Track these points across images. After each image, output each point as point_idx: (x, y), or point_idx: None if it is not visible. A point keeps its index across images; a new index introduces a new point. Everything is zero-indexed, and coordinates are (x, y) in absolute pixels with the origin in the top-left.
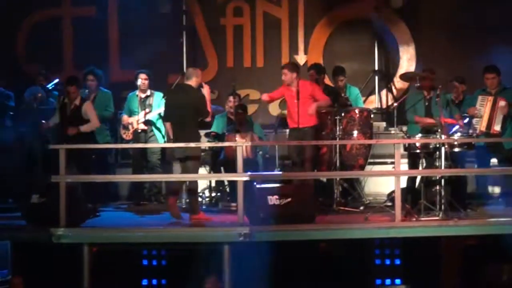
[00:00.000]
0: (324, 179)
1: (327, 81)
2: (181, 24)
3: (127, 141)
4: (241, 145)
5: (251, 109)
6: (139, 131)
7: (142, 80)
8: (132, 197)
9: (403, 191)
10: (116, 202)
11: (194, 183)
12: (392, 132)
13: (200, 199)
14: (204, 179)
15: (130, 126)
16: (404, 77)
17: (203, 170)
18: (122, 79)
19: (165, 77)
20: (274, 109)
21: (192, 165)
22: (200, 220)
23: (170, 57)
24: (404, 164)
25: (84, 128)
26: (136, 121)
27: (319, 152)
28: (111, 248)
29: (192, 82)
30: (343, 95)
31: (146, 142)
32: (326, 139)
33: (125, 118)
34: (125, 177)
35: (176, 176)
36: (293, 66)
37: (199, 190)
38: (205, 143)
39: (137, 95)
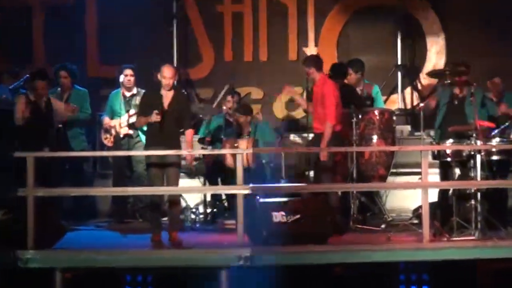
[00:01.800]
0: (339, 193)
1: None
2: (171, 12)
3: (109, 148)
4: (241, 152)
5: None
6: (122, 135)
7: (127, 76)
8: (113, 214)
9: (432, 206)
10: (94, 220)
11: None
12: (418, 137)
13: (193, 215)
14: (198, 193)
15: (112, 130)
16: (433, 73)
17: (196, 182)
18: (101, 75)
19: (151, 73)
20: (280, 111)
21: (174, 173)
22: (176, 242)
23: (158, 50)
24: (432, 175)
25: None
26: (119, 124)
27: (331, 162)
28: (88, 273)
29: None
30: (360, 93)
31: (130, 148)
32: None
33: (106, 120)
34: (105, 190)
35: (165, 189)
36: (312, 59)
37: (192, 205)
38: (198, 151)
39: (121, 94)
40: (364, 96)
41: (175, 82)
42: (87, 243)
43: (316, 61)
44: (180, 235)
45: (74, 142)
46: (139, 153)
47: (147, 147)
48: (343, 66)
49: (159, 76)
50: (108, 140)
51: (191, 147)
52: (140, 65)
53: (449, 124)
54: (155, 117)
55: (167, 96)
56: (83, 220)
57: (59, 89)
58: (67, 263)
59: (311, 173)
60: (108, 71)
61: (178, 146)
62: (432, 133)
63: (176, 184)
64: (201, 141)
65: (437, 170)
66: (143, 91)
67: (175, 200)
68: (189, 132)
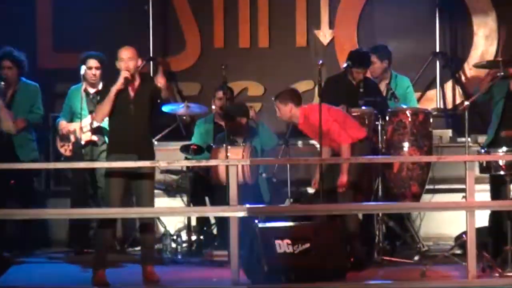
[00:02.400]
0: (360, 215)
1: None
2: None
3: (67, 158)
4: (235, 163)
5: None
6: (84, 143)
7: (91, 69)
8: (71, 243)
9: (480, 233)
10: (47, 250)
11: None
12: (463, 144)
13: (174, 244)
14: (180, 215)
15: (71, 136)
16: (481, 65)
17: (178, 202)
18: (56, 65)
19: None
20: None
21: (148, 187)
22: (153, 279)
23: (129, 35)
24: (481, 193)
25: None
26: (80, 128)
27: None
28: None
29: None
30: (385, 88)
31: (95, 159)
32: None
33: (63, 124)
34: (61, 212)
35: (139, 210)
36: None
37: (172, 231)
38: (182, 161)
39: (82, 91)
40: (391, 93)
41: (140, 67)
42: (38, 279)
43: (292, 95)
44: (157, 270)
45: (22, 151)
46: (105, 164)
47: (110, 153)
48: (365, 54)
49: (90, 63)
50: (65, 148)
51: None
52: (106, 53)
53: (504, 128)
54: (124, 74)
55: (132, 85)
56: (32, 251)
57: (2, 83)
58: None
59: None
60: (65, 60)
61: (151, 151)
62: (480, 139)
63: (151, 202)
64: (184, 149)
65: (486, 187)
66: None
67: (149, 225)
68: None
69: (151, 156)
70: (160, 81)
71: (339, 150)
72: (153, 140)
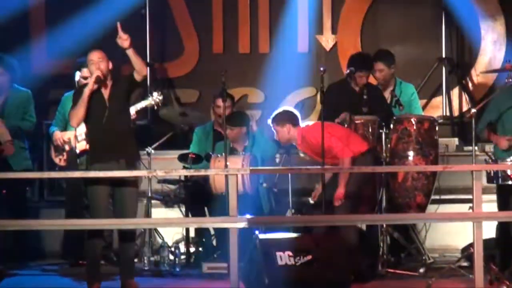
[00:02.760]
0: (363, 226)
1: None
2: None
3: (62, 168)
4: (235, 173)
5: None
6: (79, 152)
7: (87, 78)
8: (65, 254)
9: (487, 245)
10: (41, 262)
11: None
12: (469, 153)
13: (172, 256)
14: (178, 226)
15: (66, 146)
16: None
17: (176, 213)
18: (49, 72)
19: (117, 69)
20: None
21: (131, 195)
22: None
23: None
24: (488, 203)
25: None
26: (75, 136)
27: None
28: None
29: None
30: (390, 94)
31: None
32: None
33: (58, 135)
34: (55, 223)
35: (135, 221)
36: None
37: (170, 243)
38: (180, 171)
39: None
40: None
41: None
42: None
43: (289, 116)
44: (151, 282)
45: (14, 160)
46: (101, 174)
47: (92, 163)
48: (367, 57)
49: (83, 73)
50: (60, 158)
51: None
52: None
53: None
54: (96, 73)
55: (105, 88)
56: (26, 262)
57: None
58: None
59: None
60: (59, 66)
61: (134, 153)
62: (488, 147)
63: (134, 210)
64: (182, 158)
65: (494, 197)
66: None
67: (129, 235)
68: None
69: (135, 158)
70: (123, 36)
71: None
72: (150, 149)
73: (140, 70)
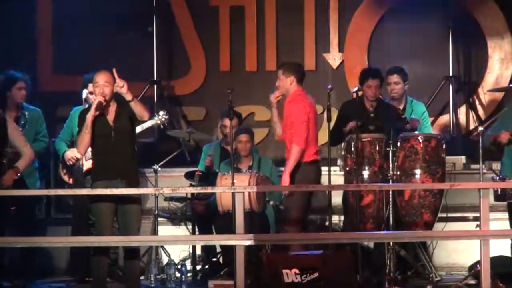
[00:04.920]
0: (371, 244)
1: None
2: (149, 6)
3: (70, 186)
4: (241, 191)
5: (258, 135)
6: (85, 170)
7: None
8: (72, 271)
9: (494, 263)
10: (47, 279)
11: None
12: (477, 171)
13: (178, 274)
14: (185, 244)
15: (77, 163)
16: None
17: (182, 230)
18: (56, 88)
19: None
20: None
21: (135, 212)
22: None
23: (132, 57)
24: (495, 221)
25: (22, 165)
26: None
27: (359, 203)
28: None
29: None
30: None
31: None
32: (371, 181)
33: (69, 154)
34: (62, 240)
35: (142, 238)
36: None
37: (176, 261)
38: (187, 188)
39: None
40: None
41: (116, 91)
42: None
43: (297, 70)
44: None
45: (30, 181)
46: (107, 191)
47: (95, 180)
48: (377, 69)
49: (89, 89)
50: (69, 176)
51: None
52: None
53: None
54: (98, 99)
55: (109, 110)
56: (33, 280)
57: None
58: None
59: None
60: (65, 83)
61: (136, 176)
62: (495, 165)
63: (138, 227)
64: (189, 175)
65: (501, 215)
66: None
67: (134, 252)
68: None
69: (136, 179)
70: (120, 84)
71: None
72: (157, 167)
73: (141, 116)
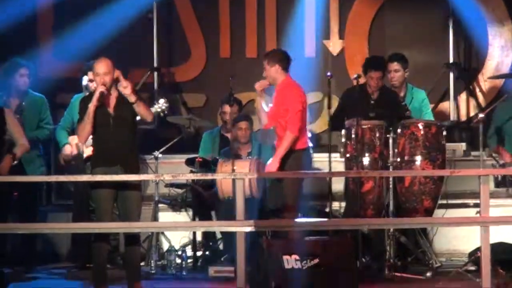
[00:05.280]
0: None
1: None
2: None
3: (70, 172)
4: (242, 177)
5: (257, 123)
6: (86, 157)
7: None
8: (73, 258)
9: (495, 249)
10: (49, 266)
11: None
12: (477, 157)
13: (179, 260)
14: (185, 230)
15: (75, 151)
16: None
17: (183, 216)
18: (56, 75)
19: (125, 73)
20: None
21: (135, 198)
22: None
23: (132, 43)
24: (496, 208)
25: (19, 152)
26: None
27: (360, 190)
28: None
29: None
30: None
31: None
32: (372, 168)
33: (67, 150)
34: (63, 227)
35: (142, 225)
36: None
37: (177, 247)
38: (187, 175)
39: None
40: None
41: (116, 80)
42: None
43: (281, 58)
44: (158, 286)
45: (30, 168)
46: (107, 177)
47: (94, 167)
48: (380, 57)
49: (90, 76)
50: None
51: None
52: None
53: None
54: (99, 89)
55: (109, 98)
56: (33, 266)
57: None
58: None
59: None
60: (66, 70)
61: (136, 163)
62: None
63: (138, 214)
64: (189, 162)
65: (502, 202)
66: None
67: (134, 238)
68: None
69: (136, 166)
70: (124, 84)
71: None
72: (157, 153)
73: (144, 117)
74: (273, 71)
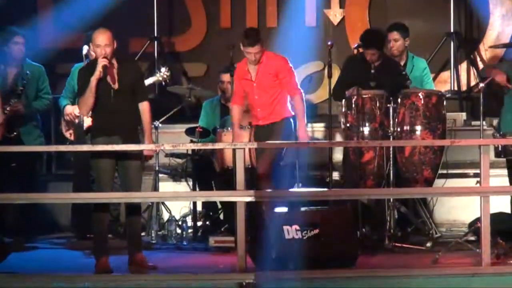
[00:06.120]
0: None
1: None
2: None
3: (72, 143)
4: (242, 147)
5: None
6: (86, 128)
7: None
8: (74, 228)
9: (494, 219)
10: (49, 236)
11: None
12: (477, 127)
13: (179, 230)
14: (185, 200)
15: (76, 120)
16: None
17: (183, 186)
18: (56, 45)
19: (125, 43)
20: None
21: (135, 168)
22: (147, 265)
23: (133, 13)
24: (496, 178)
25: None
26: None
27: (360, 160)
28: None
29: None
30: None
31: None
32: (372, 138)
33: (69, 109)
34: (63, 197)
35: (143, 195)
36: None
37: (177, 217)
38: (187, 144)
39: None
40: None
41: (114, 49)
42: (39, 265)
43: (258, 34)
44: (159, 256)
45: (28, 139)
46: (108, 147)
47: (94, 137)
48: (378, 33)
49: (91, 47)
50: (71, 133)
51: (150, 130)
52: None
53: None
54: (102, 63)
55: (110, 69)
56: (33, 236)
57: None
58: None
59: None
60: (66, 40)
61: (135, 132)
62: (496, 122)
63: (139, 184)
64: (190, 132)
65: (502, 172)
66: None
67: (135, 208)
68: (145, 104)
69: (136, 135)
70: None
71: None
72: (157, 123)
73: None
74: (258, 51)
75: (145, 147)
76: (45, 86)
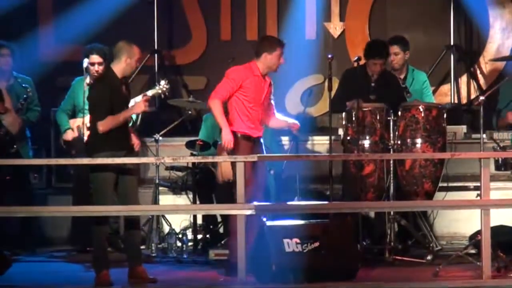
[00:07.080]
0: (371, 214)
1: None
2: None
3: (72, 156)
4: (242, 160)
5: None
6: (86, 139)
7: (94, 65)
8: (73, 241)
9: (495, 232)
10: (48, 248)
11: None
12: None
13: (179, 243)
14: (186, 213)
15: (75, 132)
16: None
17: (184, 200)
18: (56, 58)
19: None
20: (294, 106)
21: (133, 182)
22: (148, 278)
23: (133, 26)
24: (496, 191)
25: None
26: (83, 123)
27: (360, 173)
28: None
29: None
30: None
31: None
32: (372, 151)
33: (68, 135)
34: (63, 210)
35: (143, 208)
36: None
37: (177, 230)
38: (187, 157)
39: (84, 84)
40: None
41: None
42: (39, 278)
43: (266, 44)
44: (159, 269)
45: (24, 150)
46: (109, 160)
47: (100, 152)
48: (382, 43)
49: (91, 59)
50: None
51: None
52: (110, 45)
53: None
54: (143, 105)
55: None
56: (33, 249)
57: None
58: None
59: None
60: (67, 53)
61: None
62: (496, 135)
63: (136, 197)
64: (190, 145)
65: (502, 185)
66: None
67: (135, 222)
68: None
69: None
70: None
71: None
72: (158, 136)
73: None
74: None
75: (145, 160)
76: (35, 98)
